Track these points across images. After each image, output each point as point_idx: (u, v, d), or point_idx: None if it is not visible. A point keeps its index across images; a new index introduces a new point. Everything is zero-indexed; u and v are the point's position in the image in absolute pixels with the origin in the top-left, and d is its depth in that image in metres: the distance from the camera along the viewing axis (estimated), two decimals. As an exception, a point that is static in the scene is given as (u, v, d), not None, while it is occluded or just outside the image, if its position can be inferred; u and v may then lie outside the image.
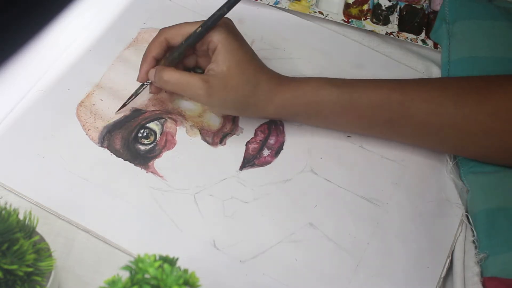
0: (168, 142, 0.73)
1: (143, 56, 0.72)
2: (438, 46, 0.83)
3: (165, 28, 0.71)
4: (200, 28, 0.69)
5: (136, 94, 0.74)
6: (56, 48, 0.78)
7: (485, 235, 0.68)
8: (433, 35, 0.83)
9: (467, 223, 0.71)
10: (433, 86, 0.71)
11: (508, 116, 0.67)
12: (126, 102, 0.74)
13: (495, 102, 0.68)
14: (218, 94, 0.68)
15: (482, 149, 0.70)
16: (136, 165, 0.72)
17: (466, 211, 0.72)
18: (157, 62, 0.71)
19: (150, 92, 0.74)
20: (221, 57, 0.68)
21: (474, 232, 0.70)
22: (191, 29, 0.70)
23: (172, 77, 0.69)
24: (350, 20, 0.84)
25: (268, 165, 0.74)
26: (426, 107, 0.69)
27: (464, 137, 0.69)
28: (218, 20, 0.69)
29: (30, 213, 0.58)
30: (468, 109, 0.68)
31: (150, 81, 0.72)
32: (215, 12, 0.69)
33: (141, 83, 0.73)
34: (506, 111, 0.67)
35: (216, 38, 0.68)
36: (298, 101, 0.70)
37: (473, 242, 0.69)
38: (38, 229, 0.58)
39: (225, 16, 0.69)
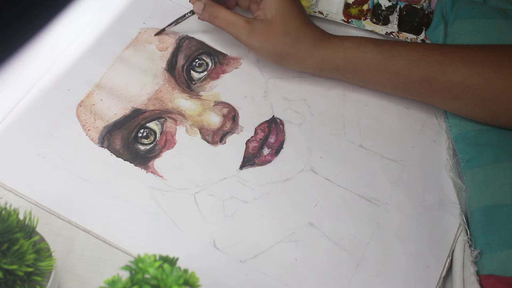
0: (168, 141, 0.73)
1: None
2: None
3: None
4: None
5: (177, 21, 0.79)
6: (56, 48, 0.78)
7: (482, 232, 0.68)
8: (430, 33, 0.83)
9: (462, 222, 0.71)
10: (473, 49, 0.73)
11: None
12: (167, 26, 0.79)
13: None
14: (258, 38, 0.73)
15: None
16: (136, 165, 0.72)
17: (465, 210, 0.72)
18: None
19: (198, 18, 0.77)
20: (267, 6, 0.73)
21: (468, 231, 0.70)
22: None
23: (221, 14, 0.74)
24: (350, 20, 0.84)
25: (268, 164, 0.74)
26: (465, 67, 0.70)
27: (502, 100, 0.70)
28: None
29: (30, 213, 0.58)
30: (507, 70, 0.69)
31: (191, 14, 0.78)
32: None
33: (184, 14, 0.79)
34: None
35: None
36: (338, 56, 0.73)
37: (468, 241, 0.69)
38: (38, 229, 0.58)
39: None
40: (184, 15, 0.78)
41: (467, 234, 0.70)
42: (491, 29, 0.80)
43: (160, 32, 0.80)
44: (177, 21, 0.79)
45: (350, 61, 0.73)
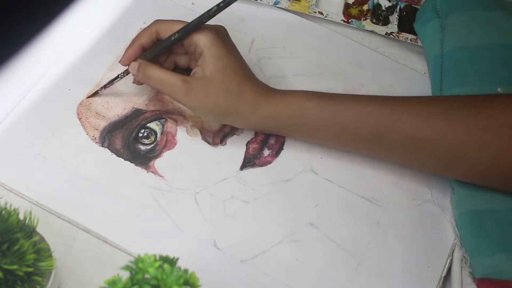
0: (168, 142, 0.73)
1: (131, 41, 0.72)
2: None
3: (159, 20, 0.71)
4: (176, 34, 0.69)
5: (111, 83, 0.74)
6: (56, 48, 0.78)
7: (472, 236, 0.68)
8: (419, 27, 0.82)
9: (451, 223, 0.71)
10: (421, 101, 0.69)
11: (502, 132, 0.64)
12: (100, 88, 0.74)
13: (487, 116, 0.65)
14: (197, 98, 0.67)
15: (476, 166, 0.67)
16: (136, 165, 0.72)
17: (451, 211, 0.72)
18: (143, 50, 0.71)
19: (133, 82, 0.74)
20: (206, 62, 0.68)
21: (458, 232, 0.70)
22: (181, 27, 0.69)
23: (155, 74, 0.68)
24: (350, 20, 0.84)
25: (269, 165, 0.74)
26: (415, 120, 0.66)
27: (456, 154, 0.66)
28: (197, 27, 0.68)
29: (30, 213, 0.58)
30: (459, 123, 0.66)
31: (124, 74, 0.73)
32: (195, 18, 0.68)
33: (117, 75, 0.73)
34: (500, 127, 0.64)
35: (203, 43, 0.68)
36: (282, 113, 0.69)
37: (458, 242, 0.69)
38: (38, 229, 0.58)
39: (220, 24, 0.70)
40: (117, 76, 0.73)
41: (457, 236, 0.70)
42: (488, 20, 0.79)
43: (94, 95, 0.74)
44: (111, 82, 0.73)
45: (295, 118, 0.69)
